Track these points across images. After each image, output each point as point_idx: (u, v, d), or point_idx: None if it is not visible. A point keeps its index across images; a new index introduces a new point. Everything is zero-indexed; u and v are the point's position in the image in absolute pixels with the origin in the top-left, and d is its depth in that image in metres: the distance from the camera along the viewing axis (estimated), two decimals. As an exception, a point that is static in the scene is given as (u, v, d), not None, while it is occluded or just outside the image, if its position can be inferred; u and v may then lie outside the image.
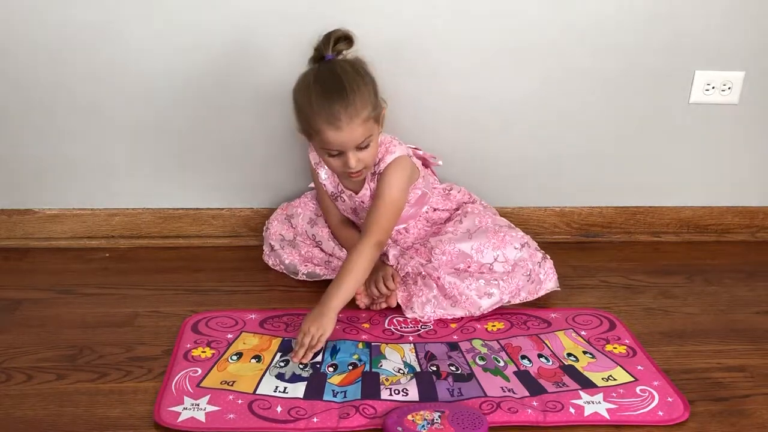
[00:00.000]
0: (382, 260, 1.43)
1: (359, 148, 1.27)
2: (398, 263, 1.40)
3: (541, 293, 1.40)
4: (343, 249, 1.46)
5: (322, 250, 1.48)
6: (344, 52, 1.28)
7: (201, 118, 1.55)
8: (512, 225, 1.46)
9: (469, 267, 1.36)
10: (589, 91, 1.60)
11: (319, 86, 1.24)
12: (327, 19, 1.40)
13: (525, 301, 1.38)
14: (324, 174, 1.44)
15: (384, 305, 1.35)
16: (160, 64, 1.49)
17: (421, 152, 1.49)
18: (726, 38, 1.58)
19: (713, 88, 1.62)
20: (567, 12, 1.52)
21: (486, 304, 1.33)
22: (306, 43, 1.48)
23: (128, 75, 1.50)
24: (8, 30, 1.44)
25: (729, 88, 1.62)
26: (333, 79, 1.23)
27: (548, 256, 1.42)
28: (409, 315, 1.33)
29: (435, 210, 1.49)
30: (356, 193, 1.41)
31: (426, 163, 1.51)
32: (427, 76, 1.54)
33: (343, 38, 1.27)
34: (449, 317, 1.33)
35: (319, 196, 1.50)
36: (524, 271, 1.37)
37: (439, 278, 1.33)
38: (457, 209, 1.51)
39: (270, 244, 1.52)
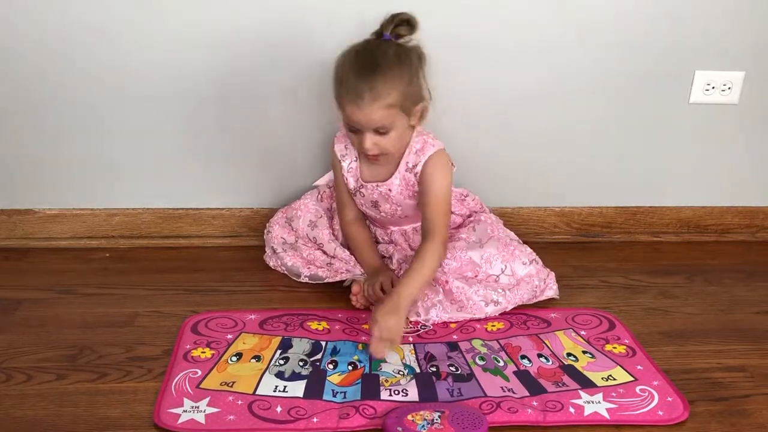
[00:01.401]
0: (386, 264, 1.43)
1: (378, 132, 1.26)
2: (400, 268, 1.40)
3: (540, 299, 1.40)
4: (346, 250, 1.45)
5: (324, 252, 1.48)
6: (405, 36, 1.28)
7: (201, 118, 1.55)
8: (521, 242, 1.46)
9: (476, 276, 1.36)
10: (588, 91, 1.60)
11: (355, 61, 1.24)
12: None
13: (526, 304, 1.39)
14: (347, 166, 1.41)
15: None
16: (160, 64, 1.49)
17: None
18: (726, 38, 1.58)
19: (713, 88, 1.62)
20: (567, 12, 1.52)
21: (490, 311, 1.33)
22: (303, 43, 1.49)
23: (128, 75, 1.50)
24: (8, 29, 1.44)
25: (729, 88, 1.62)
26: (369, 57, 1.23)
27: (552, 273, 1.43)
28: (412, 318, 1.32)
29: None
30: (383, 182, 1.39)
31: None
32: (427, 75, 1.54)
33: (406, 22, 1.27)
34: (452, 321, 1.33)
35: (336, 190, 1.48)
36: (530, 287, 1.37)
37: (447, 282, 1.33)
38: (469, 216, 1.51)
39: (272, 247, 1.52)
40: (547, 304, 1.40)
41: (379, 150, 1.29)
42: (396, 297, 1.19)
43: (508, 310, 1.35)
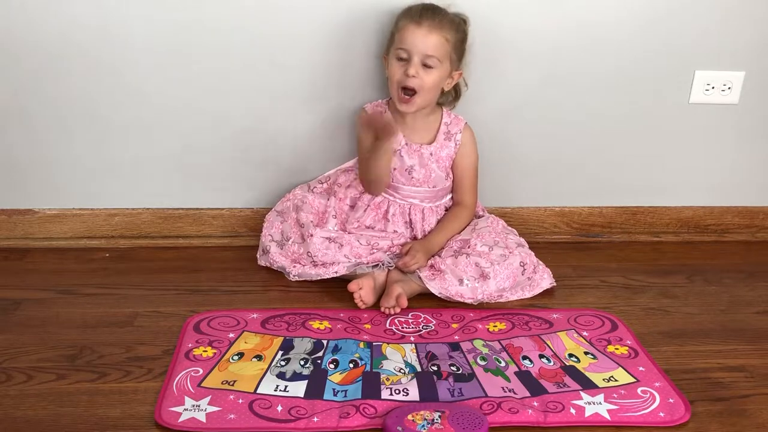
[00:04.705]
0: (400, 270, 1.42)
1: (424, 64, 1.35)
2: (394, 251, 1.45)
3: (537, 291, 1.43)
4: (328, 253, 1.42)
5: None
6: None
7: (201, 118, 1.55)
8: (517, 233, 1.53)
9: (467, 246, 1.41)
10: (588, 90, 1.60)
11: (420, 4, 1.40)
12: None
13: (522, 297, 1.41)
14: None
15: (397, 309, 1.36)
16: (160, 64, 1.49)
17: None
18: (726, 38, 1.58)
19: (713, 88, 1.62)
20: (566, 12, 1.52)
21: (492, 288, 1.37)
22: (303, 44, 1.49)
23: (128, 74, 1.49)
24: (8, 29, 1.44)
25: (729, 88, 1.62)
26: (432, 4, 1.40)
27: (542, 263, 1.48)
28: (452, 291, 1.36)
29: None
30: (428, 144, 1.46)
31: None
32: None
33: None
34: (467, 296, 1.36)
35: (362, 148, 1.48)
36: (519, 260, 1.40)
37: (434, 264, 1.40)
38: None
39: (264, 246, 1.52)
40: (548, 304, 1.40)
41: (418, 83, 1.35)
42: (428, 243, 1.43)
43: (506, 287, 1.38)
